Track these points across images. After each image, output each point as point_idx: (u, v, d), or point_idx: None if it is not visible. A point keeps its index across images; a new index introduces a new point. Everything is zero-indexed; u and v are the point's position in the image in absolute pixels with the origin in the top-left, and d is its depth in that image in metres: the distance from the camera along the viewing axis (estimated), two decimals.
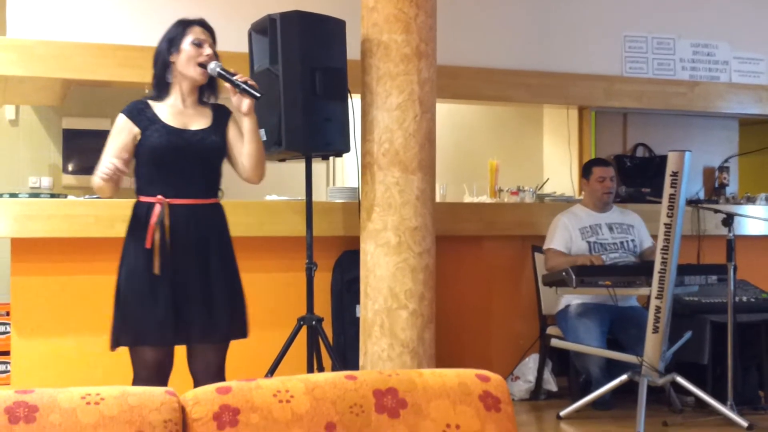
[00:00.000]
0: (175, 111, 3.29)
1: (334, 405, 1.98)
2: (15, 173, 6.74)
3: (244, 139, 3.37)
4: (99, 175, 3.14)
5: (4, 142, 6.77)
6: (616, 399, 4.91)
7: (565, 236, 5.16)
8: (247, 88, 3.30)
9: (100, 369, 4.51)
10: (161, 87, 3.31)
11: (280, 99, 4.13)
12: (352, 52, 4.41)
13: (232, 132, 3.38)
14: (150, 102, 3.30)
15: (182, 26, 3.31)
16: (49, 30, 4.91)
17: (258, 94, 3.32)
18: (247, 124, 3.36)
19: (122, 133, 3.24)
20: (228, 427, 1.88)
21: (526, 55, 5.86)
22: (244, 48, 4.42)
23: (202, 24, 3.35)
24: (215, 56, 3.32)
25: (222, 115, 3.38)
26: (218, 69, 3.30)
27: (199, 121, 3.31)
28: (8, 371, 5.31)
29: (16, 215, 4.61)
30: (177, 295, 3.20)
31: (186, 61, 3.27)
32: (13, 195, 4.88)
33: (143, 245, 3.18)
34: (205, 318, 3.26)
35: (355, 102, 4.43)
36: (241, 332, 3.36)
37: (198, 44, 3.28)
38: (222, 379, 3.26)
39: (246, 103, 3.32)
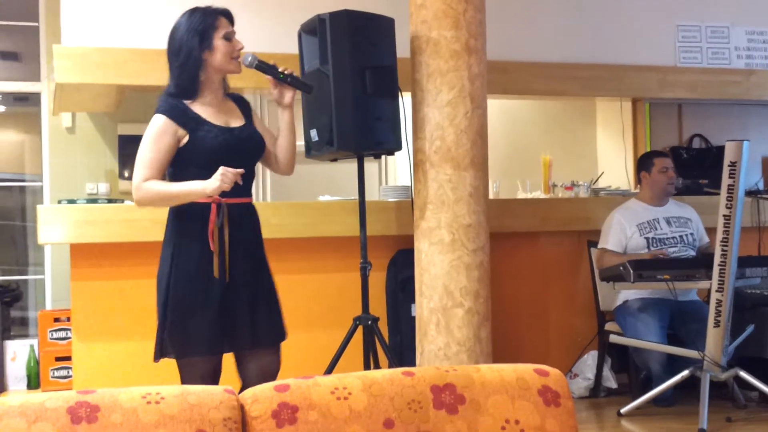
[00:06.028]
0: (213, 110, 3.17)
1: (392, 401, 1.97)
2: (72, 180, 6.85)
3: (280, 132, 3.31)
4: (218, 184, 2.98)
5: (62, 150, 6.88)
6: (677, 395, 4.84)
7: (620, 235, 5.08)
8: (296, 82, 3.27)
9: (160, 372, 4.55)
10: (193, 85, 3.14)
11: (330, 99, 4.13)
12: (402, 49, 4.39)
13: (260, 125, 3.32)
14: (185, 102, 3.14)
15: (210, 19, 3.15)
16: (103, 37, 4.98)
17: (310, 89, 3.30)
18: (286, 116, 3.31)
19: (165, 135, 3.08)
20: (287, 425, 1.88)
21: (577, 47, 5.80)
22: (294, 49, 4.44)
23: (227, 14, 3.22)
24: None
25: (247, 109, 3.31)
26: (256, 62, 3.24)
27: (235, 118, 3.24)
28: (70, 376, 5.40)
29: (75, 221, 4.68)
30: (230, 299, 3.12)
31: (222, 58, 3.15)
32: (71, 201, 4.95)
33: (198, 248, 3.08)
34: (257, 321, 3.17)
35: (405, 100, 4.42)
36: (284, 334, 3.28)
37: (229, 38, 3.17)
38: None
39: (288, 95, 3.28)
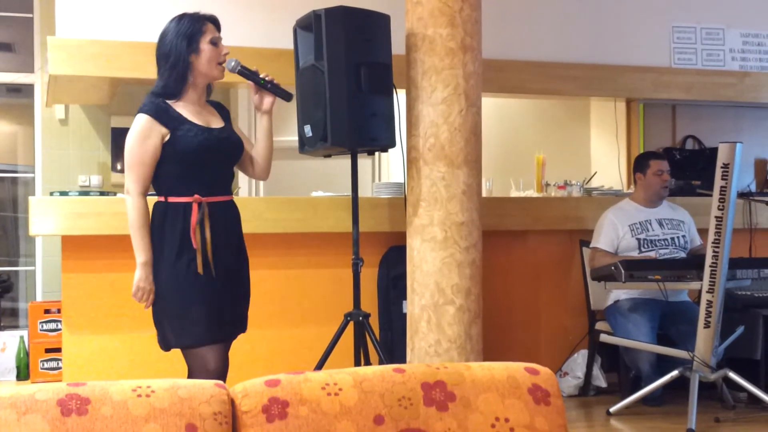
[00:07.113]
0: (195, 110, 3.26)
1: (383, 398, 1.97)
2: (65, 172, 6.84)
3: (258, 137, 3.42)
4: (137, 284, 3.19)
5: (55, 142, 6.87)
6: (667, 395, 4.85)
7: (612, 235, 5.09)
8: (276, 89, 3.37)
9: (151, 365, 4.55)
10: (179, 86, 3.23)
11: (325, 95, 4.13)
12: (397, 46, 4.40)
13: (237, 130, 3.41)
14: (168, 101, 3.22)
15: (198, 24, 3.25)
16: (97, 29, 4.97)
17: (289, 97, 3.38)
18: (265, 122, 3.41)
19: (151, 137, 3.15)
20: (277, 420, 1.88)
21: (573, 47, 5.81)
22: (289, 44, 4.44)
23: (214, 20, 3.31)
24: None
25: (226, 114, 3.40)
26: (239, 67, 3.34)
27: (215, 120, 3.32)
28: (60, 368, 5.39)
29: (67, 213, 4.68)
30: (219, 292, 3.22)
31: (207, 62, 3.24)
32: (63, 193, 4.95)
33: (180, 245, 3.16)
34: (241, 314, 3.34)
35: (400, 97, 4.42)
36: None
37: (215, 43, 3.26)
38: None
39: (268, 101, 3.39)
